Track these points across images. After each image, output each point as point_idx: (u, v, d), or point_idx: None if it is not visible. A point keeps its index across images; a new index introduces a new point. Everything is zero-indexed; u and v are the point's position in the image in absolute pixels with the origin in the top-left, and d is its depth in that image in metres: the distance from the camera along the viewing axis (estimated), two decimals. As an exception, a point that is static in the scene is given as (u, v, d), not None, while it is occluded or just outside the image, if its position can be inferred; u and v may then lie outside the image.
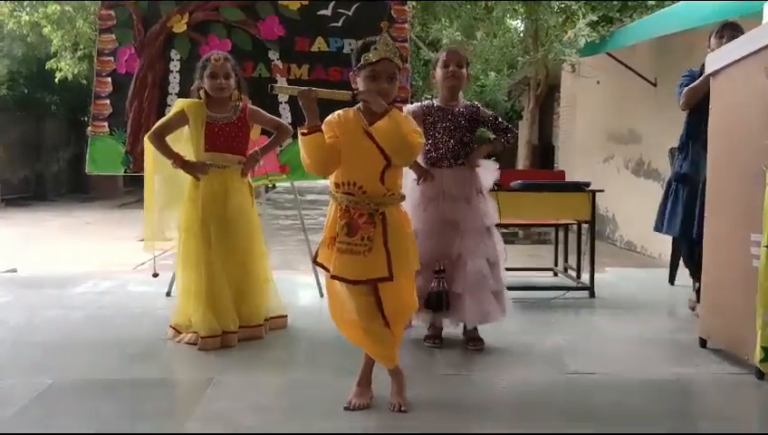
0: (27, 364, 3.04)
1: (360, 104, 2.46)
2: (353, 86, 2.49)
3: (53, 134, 17.95)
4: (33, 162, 16.94)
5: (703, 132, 3.74)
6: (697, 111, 3.80)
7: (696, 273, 3.90)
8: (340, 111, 2.50)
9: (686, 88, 3.86)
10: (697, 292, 3.82)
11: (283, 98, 4.36)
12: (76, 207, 14.84)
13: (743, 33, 3.74)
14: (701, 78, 3.78)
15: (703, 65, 3.91)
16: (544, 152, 12.93)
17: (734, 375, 2.93)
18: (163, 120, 3.56)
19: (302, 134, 2.40)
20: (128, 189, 17.34)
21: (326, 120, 2.48)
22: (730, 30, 3.81)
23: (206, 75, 3.38)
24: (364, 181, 2.43)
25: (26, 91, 14.61)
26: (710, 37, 3.92)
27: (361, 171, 2.43)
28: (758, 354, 2.81)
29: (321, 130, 2.40)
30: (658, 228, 4.12)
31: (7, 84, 13.53)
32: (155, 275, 4.14)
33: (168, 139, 3.46)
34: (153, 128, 3.51)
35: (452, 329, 3.43)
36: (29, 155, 16.69)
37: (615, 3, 7.98)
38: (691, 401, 2.76)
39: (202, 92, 3.41)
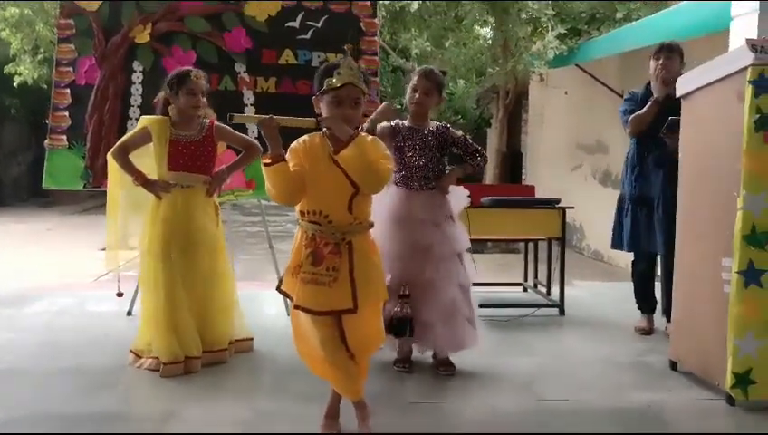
0: (-24, 396, 2.89)
1: (326, 129, 2.38)
2: (317, 111, 2.41)
3: (13, 138, 17.45)
4: (-9, 166, 16.46)
5: (652, 151, 3.79)
6: (646, 131, 3.83)
7: (667, 289, 3.93)
8: (305, 137, 2.41)
9: (633, 116, 3.88)
10: (667, 312, 3.82)
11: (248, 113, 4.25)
12: (36, 212, 14.43)
13: (680, 54, 3.80)
14: (648, 105, 3.80)
15: (646, 86, 3.94)
16: (513, 160, 12.98)
17: (706, 401, 2.92)
18: (126, 136, 3.44)
19: (266, 164, 2.31)
20: (90, 194, 16.93)
21: (291, 146, 2.39)
22: (666, 51, 3.85)
23: (184, 92, 3.24)
24: (331, 210, 2.34)
25: (-16, 95, 14.16)
26: (650, 58, 3.94)
27: (328, 199, 2.35)
28: (729, 380, 2.81)
29: (284, 160, 2.32)
30: (618, 246, 4.12)
31: (-36, 87, 13.10)
32: (119, 295, 3.97)
33: (135, 154, 3.34)
34: (116, 144, 3.39)
35: (421, 353, 3.37)
36: (-13, 159, 16.22)
37: (583, 16, 8.01)
38: (663, 430, 2.72)
39: (172, 108, 3.28)
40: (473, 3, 8.01)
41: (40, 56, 10.24)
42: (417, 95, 3.24)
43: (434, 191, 3.26)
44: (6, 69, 10.50)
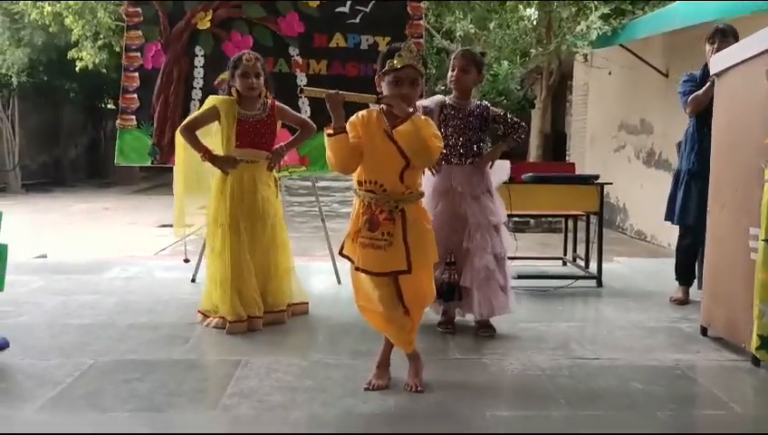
0: (66, 345, 3.24)
1: (381, 106, 2.62)
2: (378, 89, 2.66)
3: (72, 121, 18.24)
4: (51, 148, 17.24)
5: (711, 129, 3.93)
6: (704, 109, 3.96)
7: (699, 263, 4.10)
8: (363, 112, 2.67)
9: (692, 97, 4.04)
10: (699, 279, 4.00)
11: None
12: (95, 192, 15.12)
13: (735, 37, 3.92)
14: (706, 87, 3.94)
15: (704, 66, 4.08)
16: (557, 141, 13.02)
17: (732, 362, 3.11)
18: (195, 114, 3.73)
19: (329, 135, 2.58)
20: (144, 175, 17.61)
21: (350, 120, 2.63)
22: (720, 35, 3.99)
23: (238, 74, 3.51)
24: (385, 180, 2.60)
25: (45, 79, 14.84)
26: (705, 41, 4.07)
27: (382, 171, 2.60)
28: (754, 342, 2.98)
29: (346, 132, 2.57)
30: (670, 218, 4.29)
31: (27, 72, 13.78)
32: (186, 261, 4.31)
33: (199, 132, 3.62)
34: (185, 121, 3.66)
35: (462, 317, 3.63)
36: (48, 141, 17.00)
37: (627, -5, 8.07)
38: (688, 386, 2.91)
39: (234, 90, 3.57)
40: (517, -16, 8.14)
41: (100, 42, 10.75)
42: (454, 73, 3.48)
43: (473, 166, 3.50)
44: (70, 54, 11.07)
